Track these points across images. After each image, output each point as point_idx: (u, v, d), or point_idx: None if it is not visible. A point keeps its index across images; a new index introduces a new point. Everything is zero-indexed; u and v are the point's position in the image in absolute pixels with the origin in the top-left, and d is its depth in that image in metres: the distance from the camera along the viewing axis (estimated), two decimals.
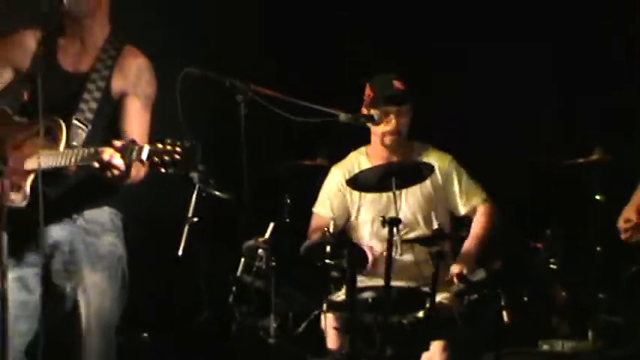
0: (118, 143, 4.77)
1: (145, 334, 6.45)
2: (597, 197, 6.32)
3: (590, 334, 6.15)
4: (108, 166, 4.73)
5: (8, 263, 4.98)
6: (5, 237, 4.76)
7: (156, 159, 4.68)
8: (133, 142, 4.78)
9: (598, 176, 6.32)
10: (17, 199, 4.91)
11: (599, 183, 6.33)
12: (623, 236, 6.01)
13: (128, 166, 4.81)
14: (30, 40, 5.23)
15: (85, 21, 5.23)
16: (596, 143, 6.29)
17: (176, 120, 5.26)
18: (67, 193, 5.14)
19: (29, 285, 5.13)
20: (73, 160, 4.88)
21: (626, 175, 6.28)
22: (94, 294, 5.16)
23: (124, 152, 4.79)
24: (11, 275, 4.99)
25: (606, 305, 6.19)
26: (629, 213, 5.93)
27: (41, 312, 5.21)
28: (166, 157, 4.69)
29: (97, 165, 4.79)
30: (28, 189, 4.94)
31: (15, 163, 4.99)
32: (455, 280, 6.08)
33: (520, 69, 7.12)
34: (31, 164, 4.94)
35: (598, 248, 6.27)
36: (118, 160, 4.75)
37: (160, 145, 4.66)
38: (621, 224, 6.00)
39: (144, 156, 4.71)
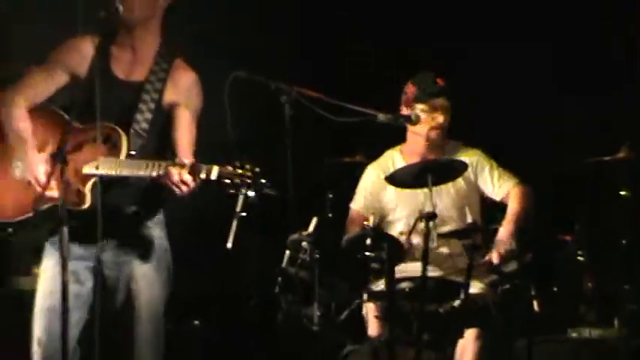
0: (187, 161, 4.86)
1: (196, 322, 6.49)
2: (622, 193, 6.35)
3: (616, 322, 6.25)
4: (179, 182, 4.82)
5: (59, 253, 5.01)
6: (66, 232, 4.73)
7: (226, 180, 4.79)
8: (199, 164, 4.87)
9: (624, 173, 6.32)
10: (76, 201, 4.98)
11: (624, 179, 6.34)
12: None
13: (196, 184, 4.86)
14: (86, 46, 5.26)
15: (137, 29, 5.30)
16: (623, 141, 6.23)
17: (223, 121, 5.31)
18: (126, 199, 5.18)
19: (80, 277, 5.22)
20: (141, 172, 4.95)
21: None
22: (143, 284, 5.27)
23: (196, 172, 4.88)
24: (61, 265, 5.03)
25: (631, 295, 6.22)
26: None
27: (93, 303, 5.17)
28: (237, 180, 4.81)
29: (167, 182, 4.86)
30: (88, 194, 4.99)
31: (73, 165, 5.00)
32: (495, 259, 6.05)
33: (540, 68, 7.09)
34: (90, 169, 4.99)
35: (623, 241, 6.34)
36: (188, 178, 4.83)
37: (230, 168, 4.79)
38: None
39: (213, 176, 4.81)
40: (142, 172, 4.94)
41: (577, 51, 7.16)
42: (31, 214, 5.04)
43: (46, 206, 4.97)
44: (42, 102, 5.32)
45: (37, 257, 6.20)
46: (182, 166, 4.85)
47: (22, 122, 5.20)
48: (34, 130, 5.19)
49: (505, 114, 7.12)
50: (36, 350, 5.08)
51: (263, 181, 4.93)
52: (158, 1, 5.34)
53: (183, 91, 5.38)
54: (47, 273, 5.10)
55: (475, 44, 7.20)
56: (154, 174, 4.92)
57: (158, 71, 5.32)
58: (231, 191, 4.81)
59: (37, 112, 5.23)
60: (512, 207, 6.39)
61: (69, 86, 5.32)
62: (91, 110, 5.00)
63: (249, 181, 4.80)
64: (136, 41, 5.30)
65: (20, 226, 5.21)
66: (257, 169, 4.87)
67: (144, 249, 5.30)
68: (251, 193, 4.91)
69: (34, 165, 5.05)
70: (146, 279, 5.27)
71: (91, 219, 4.91)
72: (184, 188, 4.84)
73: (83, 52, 5.27)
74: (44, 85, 5.26)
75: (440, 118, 6.39)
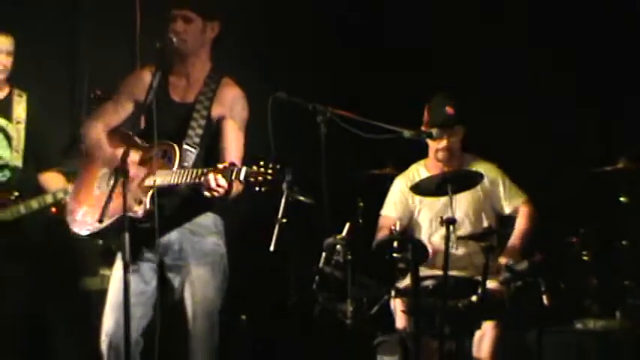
0: (220, 166, 5.09)
1: (244, 317, 6.67)
2: (622, 199, 6.52)
3: (617, 314, 6.43)
4: (212, 185, 5.05)
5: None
6: (127, 237, 4.98)
7: (252, 179, 5.01)
8: (233, 164, 5.08)
9: (623, 181, 6.48)
10: (139, 211, 5.27)
11: (624, 187, 6.50)
12: None
13: (230, 185, 5.07)
14: (147, 77, 5.50)
15: (190, 59, 5.56)
16: (622, 153, 6.41)
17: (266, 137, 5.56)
18: (179, 204, 5.41)
19: (145, 277, 5.50)
20: (184, 179, 5.21)
21: None
22: (199, 285, 5.49)
23: (226, 174, 5.05)
24: (131, 269, 5.25)
25: (631, 290, 6.39)
26: None
27: (156, 300, 5.45)
28: (260, 178, 5.01)
29: (203, 185, 5.09)
30: (148, 202, 5.27)
31: (136, 179, 5.32)
32: (502, 269, 6.25)
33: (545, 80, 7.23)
34: (149, 181, 5.28)
35: (623, 242, 6.48)
36: (221, 181, 5.05)
37: (255, 168, 5.01)
38: None
39: (242, 177, 5.02)
40: (188, 180, 5.18)
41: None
42: (102, 227, 5.26)
43: (115, 217, 5.17)
44: (116, 126, 5.57)
45: (102, 260, 6.62)
46: (216, 170, 5.06)
47: (97, 137, 5.52)
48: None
49: (518, 130, 7.24)
50: (103, 340, 5.37)
51: (287, 178, 5.24)
52: (206, 33, 5.56)
53: (228, 105, 5.59)
54: (116, 274, 5.39)
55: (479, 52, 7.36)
56: (197, 180, 5.13)
57: (207, 91, 5.58)
58: (257, 189, 4.99)
59: (112, 133, 5.54)
60: (521, 225, 6.62)
61: (136, 112, 5.62)
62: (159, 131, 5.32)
63: (270, 178, 4.98)
64: (189, 69, 5.57)
65: (103, 236, 5.62)
66: (279, 167, 5.02)
67: (200, 254, 5.46)
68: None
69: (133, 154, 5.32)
70: (201, 281, 5.47)
71: (153, 227, 5.22)
72: (220, 190, 5.06)
73: (145, 82, 5.50)
74: (114, 113, 5.60)
75: (444, 142, 6.58)
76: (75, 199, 5.54)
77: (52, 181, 6.45)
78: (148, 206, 5.27)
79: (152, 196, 5.29)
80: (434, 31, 7.54)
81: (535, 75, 7.33)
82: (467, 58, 7.47)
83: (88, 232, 5.46)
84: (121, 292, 5.18)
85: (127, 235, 5.04)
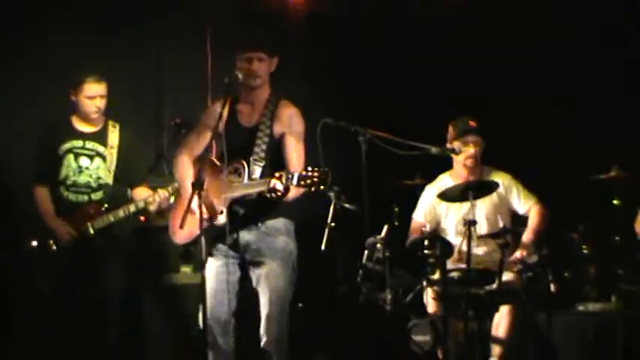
0: (277, 174, 5.36)
1: (300, 305, 6.63)
2: (615, 202, 6.73)
3: (613, 298, 6.62)
4: (272, 190, 5.38)
5: (218, 255, 5.74)
6: (204, 241, 5.34)
7: (302, 182, 5.30)
8: (288, 172, 5.34)
9: (616, 186, 6.68)
10: (222, 219, 5.64)
11: (617, 191, 6.71)
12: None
13: (286, 188, 5.36)
14: (219, 108, 5.74)
15: (254, 90, 5.81)
16: (613, 162, 6.63)
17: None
18: (252, 210, 5.70)
19: (230, 270, 5.76)
20: (251, 190, 5.57)
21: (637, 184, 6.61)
22: (272, 277, 5.76)
23: (281, 179, 5.35)
24: (219, 263, 5.75)
25: (624, 278, 6.56)
26: None
27: (238, 289, 5.79)
28: (309, 180, 5.29)
29: (265, 189, 5.41)
30: (225, 211, 5.63)
31: (216, 194, 5.66)
32: (516, 262, 6.51)
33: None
34: (226, 194, 5.65)
35: (617, 238, 6.68)
36: (278, 185, 5.36)
37: (304, 172, 5.30)
38: (637, 227, 6.46)
39: (294, 181, 5.32)
40: (254, 189, 5.54)
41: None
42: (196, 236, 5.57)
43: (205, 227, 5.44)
44: (199, 153, 5.83)
45: (182, 260, 6.94)
46: (274, 177, 5.36)
47: (180, 169, 5.85)
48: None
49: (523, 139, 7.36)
50: (201, 320, 5.60)
51: (329, 179, 5.28)
52: (270, 68, 5.79)
53: (286, 122, 5.81)
54: (209, 270, 5.73)
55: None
56: (261, 187, 5.46)
57: (267, 113, 5.80)
58: (310, 190, 5.25)
59: (198, 160, 5.82)
60: (533, 222, 6.78)
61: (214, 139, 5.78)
62: (230, 152, 5.63)
63: (317, 180, 5.26)
64: (253, 97, 5.84)
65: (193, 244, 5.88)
66: (326, 170, 5.29)
67: (272, 251, 5.74)
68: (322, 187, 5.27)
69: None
70: (273, 274, 5.74)
71: (235, 230, 5.63)
72: (279, 193, 5.36)
73: (217, 113, 5.73)
74: (196, 143, 5.88)
75: (471, 150, 6.80)
76: (174, 217, 5.86)
77: (140, 193, 6.79)
78: (224, 216, 5.62)
79: (229, 207, 5.62)
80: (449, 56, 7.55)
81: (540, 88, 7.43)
82: (479, 75, 7.50)
83: (184, 241, 5.82)
84: (213, 283, 5.64)
85: (202, 239, 5.35)
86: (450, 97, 7.44)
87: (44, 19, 7.38)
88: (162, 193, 6.66)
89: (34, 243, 6.67)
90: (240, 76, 5.72)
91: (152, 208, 6.69)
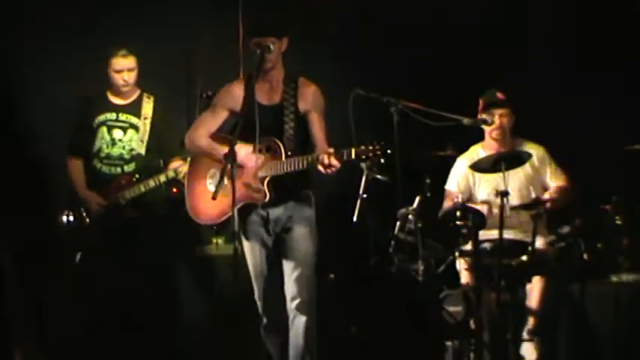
0: (331, 150, 5.47)
1: (332, 275, 6.83)
2: None
3: None
4: (328, 166, 5.46)
5: (252, 234, 5.84)
6: (236, 213, 5.42)
7: (363, 157, 5.42)
8: (341, 148, 5.43)
9: None
10: (259, 197, 5.73)
11: None
12: None
13: (348, 162, 5.47)
14: (237, 90, 5.90)
15: (270, 71, 5.84)
16: None
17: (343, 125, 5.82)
18: (289, 186, 5.79)
19: (268, 244, 5.88)
20: (297, 166, 5.62)
21: None
22: (302, 242, 5.87)
23: (339, 156, 5.46)
24: (257, 243, 5.86)
25: None
26: None
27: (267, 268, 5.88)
28: (371, 154, 5.40)
29: (320, 167, 5.48)
30: (266, 190, 5.72)
31: (252, 171, 5.74)
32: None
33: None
34: (265, 172, 5.71)
35: None
36: (335, 162, 5.46)
37: (363, 147, 5.41)
38: None
39: (353, 156, 5.42)
40: (299, 166, 5.60)
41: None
42: (229, 215, 5.68)
43: (240, 204, 5.58)
44: (214, 132, 5.90)
45: (214, 232, 7.00)
46: (329, 153, 5.45)
47: (205, 141, 5.90)
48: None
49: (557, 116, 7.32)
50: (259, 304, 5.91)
51: (389, 151, 5.43)
52: (281, 49, 5.83)
53: (310, 100, 5.91)
54: (247, 252, 5.90)
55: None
56: (305, 165, 5.56)
57: (289, 91, 5.87)
58: (365, 164, 5.42)
59: (212, 138, 5.89)
60: (559, 191, 6.74)
61: (229, 119, 5.90)
62: (249, 131, 5.66)
63: (379, 152, 5.38)
64: (270, 77, 5.89)
65: (222, 224, 6.04)
66: (382, 143, 5.40)
67: (301, 219, 5.85)
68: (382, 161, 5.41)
69: (241, 150, 5.63)
70: (303, 238, 5.87)
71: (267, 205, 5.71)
72: (333, 169, 5.46)
73: (234, 94, 5.92)
74: (212, 121, 5.94)
75: (497, 122, 6.77)
76: (193, 197, 5.99)
77: (174, 165, 6.85)
78: (267, 193, 5.71)
79: (269, 184, 5.70)
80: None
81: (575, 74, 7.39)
82: (513, 55, 7.45)
83: (212, 222, 5.95)
84: (255, 265, 5.82)
85: (235, 211, 5.43)
86: (481, 70, 7.33)
87: None
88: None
89: (67, 217, 6.77)
90: (270, 49, 5.74)
91: (182, 177, 6.69)
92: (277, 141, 5.76)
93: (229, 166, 5.43)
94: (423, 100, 6.19)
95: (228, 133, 5.85)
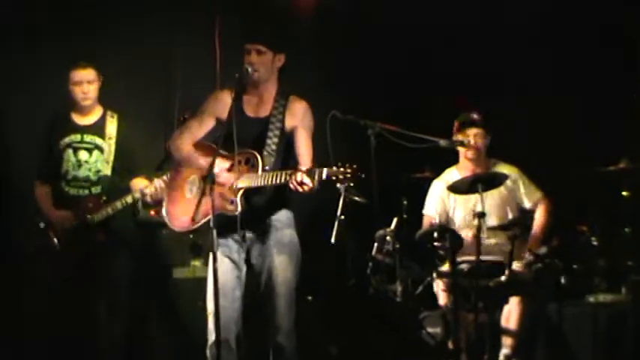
0: (303, 168, 5.37)
1: (309, 297, 6.75)
2: (624, 193, 6.64)
3: (623, 289, 6.58)
4: (300, 184, 5.34)
5: (224, 249, 5.62)
6: (215, 233, 5.26)
7: (333, 178, 5.30)
8: (316, 167, 5.34)
9: (625, 178, 6.58)
10: (232, 209, 5.55)
11: (625, 183, 6.62)
12: None
13: (314, 184, 5.34)
14: (227, 97, 5.75)
15: (262, 84, 5.77)
16: (622, 154, 6.50)
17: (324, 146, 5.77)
18: (264, 202, 5.68)
19: (239, 265, 5.71)
20: (271, 181, 5.47)
21: None
22: (281, 269, 5.71)
23: (311, 175, 5.34)
24: (226, 258, 5.66)
25: (634, 269, 6.52)
26: None
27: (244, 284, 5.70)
28: (341, 176, 5.31)
29: (291, 185, 5.35)
30: (239, 201, 5.55)
31: (226, 183, 5.59)
32: (527, 254, 6.43)
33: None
34: (240, 184, 5.55)
35: (626, 229, 6.61)
36: (307, 180, 5.33)
37: (334, 168, 5.29)
38: None
39: (324, 176, 5.31)
40: (274, 181, 5.47)
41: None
42: (203, 222, 5.53)
43: (208, 217, 5.38)
44: (199, 139, 5.82)
45: (192, 253, 6.91)
46: (302, 171, 5.35)
47: (186, 148, 5.80)
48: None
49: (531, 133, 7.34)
50: (210, 319, 5.60)
51: (362, 175, 5.31)
52: (274, 63, 5.77)
53: (298, 116, 5.80)
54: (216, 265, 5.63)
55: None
56: (281, 181, 5.42)
57: (279, 107, 5.78)
58: (338, 185, 5.29)
59: (198, 146, 5.81)
60: (540, 219, 6.76)
61: (216, 127, 5.79)
62: (238, 143, 5.49)
63: (349, 175, 5.27)
64: (261, 91, 5.81)
65: (196, 232, 5.86)
66: (355, 166, 5.29)
67: (280, 245, 5.69)
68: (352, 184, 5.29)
69: (216, 166, 5.47)
70: (282, 265, 5.69)
71: (242, 222, 5.51)
72: (305, 188, 5.34)
73: (223, 102, 5.77)
74: (198, 128, 5.84)
75: (472, 141, 6.75)
76: (170, 203, 5.87)
77: (138, 184, 6.69)
78: (239, 205, 5.55)
79: (242, 197, 5.54)
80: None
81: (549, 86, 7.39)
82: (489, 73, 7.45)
83: (184, 229, 5.75)
84: (222, 282, 5.44)
85: (214, 232, 5.28)
86: (457, 91, 7.34)
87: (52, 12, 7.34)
88: (158, 182, 6.54)
89: (38, 240, 6.66)
90: (250, 70, 5.69)
91: (148, 198, 6.60)
92: (256, 154, 5.64)
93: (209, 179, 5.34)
94: (400, 122, 6.16)
95: (213, 142, 5.74)
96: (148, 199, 6.61)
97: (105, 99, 6.84)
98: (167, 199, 5.95)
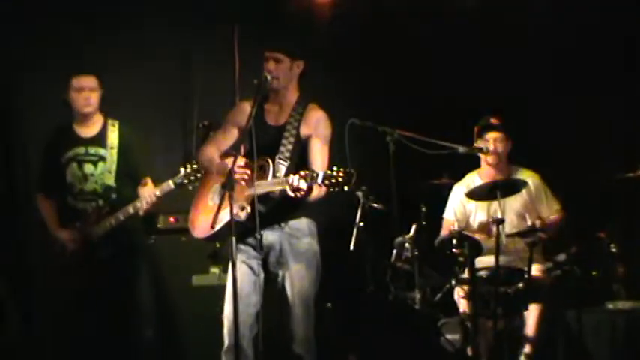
0: (302, 173, 5.34)
1: (329, 304, 6.76)
2: None
3: None
4: (296, 188, 5.33)
5: (242, 256, 5.65)
6: (234, 240, 5.27)
7: (327, 182, 5.27)
8: (312, 171, 5.32)
9: None
10: (242, 215, 5.56)
11: None
12: None
13: (309, 188, 5.33)
14: (247, 107, 5.76)
15: (281, 91, 5.80)
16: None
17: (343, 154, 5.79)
18: (273, 208, 5.64)
19: (255, 271, 5.72)
20: (274, 188, 5.50)
21: None
22: (297, 278, 5.72)
23: (306, 178, 5.33)
24: (244, 264, 5.68)
25: None
26: None
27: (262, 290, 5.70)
28: (334, 180, 5.26)
29: (288, 188, 5.36)
30: (249, 208, 5.55)
31: (240, 190, 5.57)
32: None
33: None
34: (250, 191, 5.55)
35: None
36: (302, 184, 5.33)
37: (329, 172, 5.27)
38: None
39: (319, 180, 5.29)
40: (277, 186, 5.49)
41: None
42: (219, 228, 5.50)
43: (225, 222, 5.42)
44: (226, 149, 5.84)
45: (212, 260, 6.89)
46: (299, 176, 5.32)
47: (209, 157, 5.85)
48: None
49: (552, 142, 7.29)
50: (225, 324, 5.63)
51: (353, 179, 5.23)
52: (293, 70, 5.78)
53: (313, 125, 5.78)
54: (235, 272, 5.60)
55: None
56: (284, 185, 5.40)
57: (295, 115, 5.78)
58: (332, 190, 5.22)
59: (223, 156, 5.82)
60: (556, 219, 6.74)
61: (240, 137, 5.77)
62: (257, 150, 5.57)
63: (341, 180, 5.23)
64: (281, 98, 5.82)
65: (216, 239, 5.92)
66: (350, 171, 5.25)
67: (296, 253, 5.70)
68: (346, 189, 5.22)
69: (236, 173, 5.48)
70: (298, 275, 5.69)
71: (254, 229, 5.49)
72: (302, 192, 5.33)
73: (244, 111, 5.80)
74: (223, 139, 5.88)
75: (492, 147, 6.76)
76: (195, 210, 5.88)
77: (147, 192, 6.57)
78: (249, 211, 5.55)
79: (252, 203, 5.52)
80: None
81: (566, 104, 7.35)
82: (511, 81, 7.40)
83: (204, 236, 5.73)
84: (239, 286, 5.41)
85: (233, 239, 5.28)
86: (477, 97, 7.30)
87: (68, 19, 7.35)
88: (158, 189, 6.49)
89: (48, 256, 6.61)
90: (268, 77, 5.72)
91: (144, 206, 6.50)
92: (269, 160, 5.66)
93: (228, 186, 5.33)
94: (420, 128, 6.15)
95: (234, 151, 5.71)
96: (144, 206, 6.49)
97: (122, 108, 6.80)
98: (192, 207, 5.95)
